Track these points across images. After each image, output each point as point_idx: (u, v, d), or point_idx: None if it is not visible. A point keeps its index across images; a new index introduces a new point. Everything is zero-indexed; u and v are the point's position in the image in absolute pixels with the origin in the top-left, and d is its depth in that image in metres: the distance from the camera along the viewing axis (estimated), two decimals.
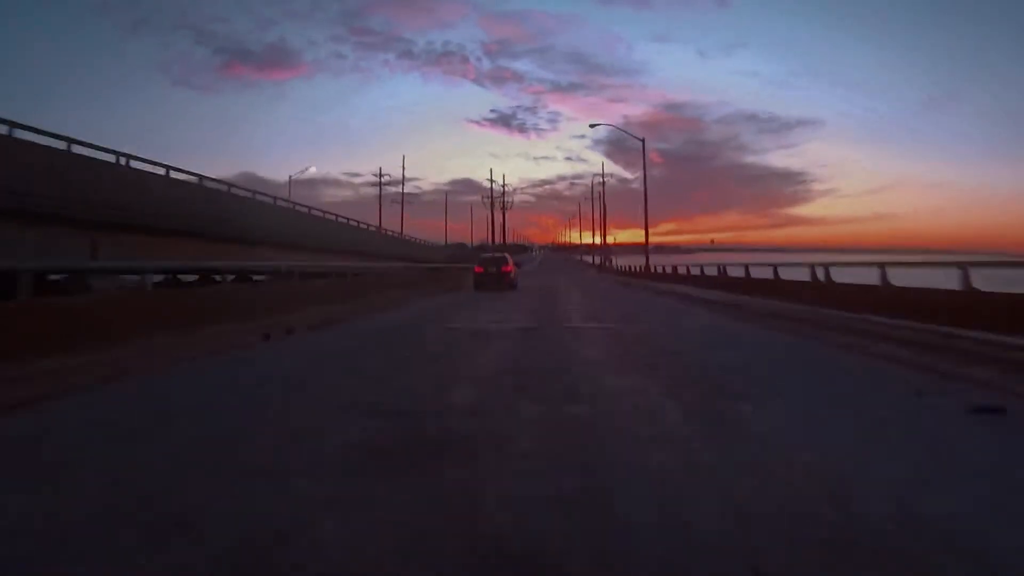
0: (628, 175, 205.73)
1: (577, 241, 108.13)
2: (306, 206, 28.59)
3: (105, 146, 15.38)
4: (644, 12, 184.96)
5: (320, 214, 31.00)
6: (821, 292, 10.83)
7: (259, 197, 23.44)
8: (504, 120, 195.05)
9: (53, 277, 14.09)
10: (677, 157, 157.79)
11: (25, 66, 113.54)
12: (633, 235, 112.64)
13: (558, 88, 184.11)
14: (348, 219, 32.03)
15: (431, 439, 3.52)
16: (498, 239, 68.36)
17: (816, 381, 5.36)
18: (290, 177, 43.17)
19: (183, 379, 5.84)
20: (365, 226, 37.12)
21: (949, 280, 8.23)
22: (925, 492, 2.58)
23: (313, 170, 63.78)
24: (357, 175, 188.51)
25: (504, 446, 3.35)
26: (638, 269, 35.18)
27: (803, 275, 13.49)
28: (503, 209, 68.98)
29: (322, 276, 19.53)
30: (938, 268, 9.67)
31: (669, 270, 24.25)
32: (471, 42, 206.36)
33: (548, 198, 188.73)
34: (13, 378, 5.37)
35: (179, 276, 18.88)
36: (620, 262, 57.45)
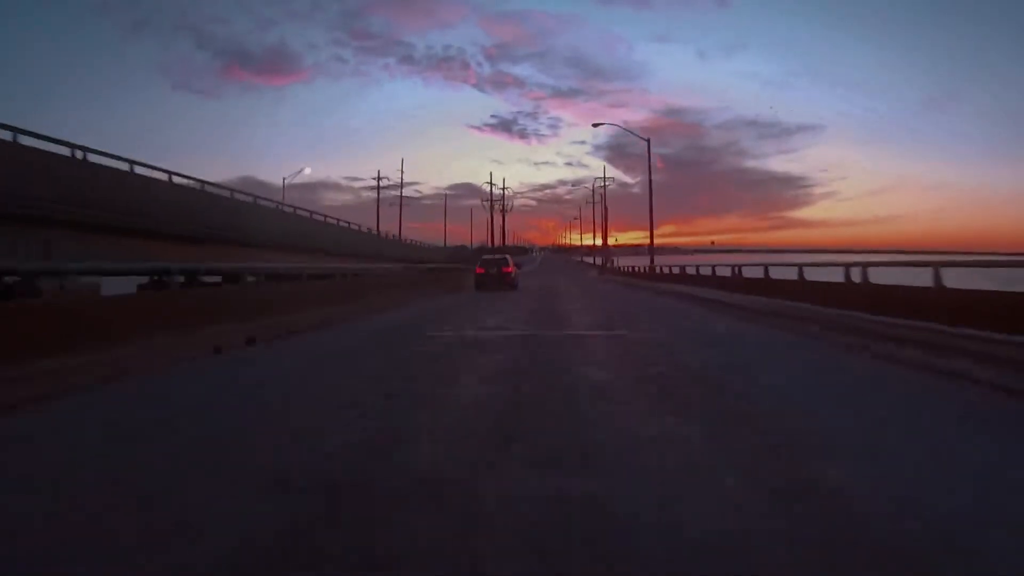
0: (628, 179, 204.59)
1: (577, 243, 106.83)
2: (301, 208, 27.21)
3: (61, 138, 13.99)
4: (644, 12, 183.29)
5: (321, 218, 29.73)
6: (861, 295, 9.45)
7: (238, 195, 22.03)
8: (505, 125, 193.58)
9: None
10: (678, 162, 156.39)
11: (24, 67, 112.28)
12: (633, 237, 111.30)
13: (559, 94, 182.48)
14: (341, 221, 30.65)
15: (339, 549, 2.14)
16: (498, 241, 66.98)
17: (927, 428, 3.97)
18: (284, 179, 41.72)
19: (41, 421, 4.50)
20: (365, 229, 35.76)
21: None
22: None
23: (308, 171, 62.30)
24: (358, 179, 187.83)
25: None
26: (641, 270, 33.73)
27: (828, 275, 12.13)
28: (503, 211, 67.65)
29: (319, 278, 18.27)
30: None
31: (676, 271, 22.80)
32: (471, 46, 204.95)
33: (548, 202, 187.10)
34: None
35: (163, 278, 17.61)
36: (621, 263, 56.04)
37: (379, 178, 57.45)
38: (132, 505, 2.56)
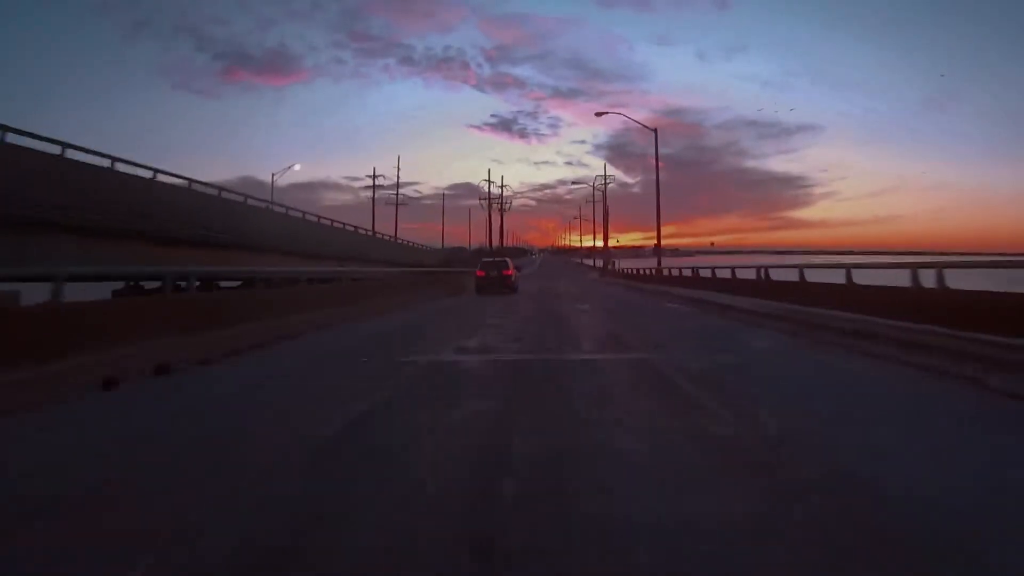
0: (628, 179, 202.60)
1: (577, 244, 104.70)
2: (276, 204, 25.09)
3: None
4: (644, 14, 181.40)
5: (314, 217, 27.73)
6: (944, 306, 7.44)
7: (195, 186, 19.86)
8: (505, 125, 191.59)
9: None
10: (678, 162, 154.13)
11: (24, 68, 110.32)
12: (633, 238, 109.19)
13: (558, 94, 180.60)
14: (322, 218, 28.48)
15: None
16: (496, 242, 64.87)
17: None
18: (273, 175, 39.69)
19: None
20: (361, 230, 33.73)
21: None
22: None
23: (297, 168, 60.10)
24: (357, 179, 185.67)
25: None
26: (646, 272, 31.69)
27: (876, 278, 10.16)
28: (501, 211, 65.46)
29: (294, 282, 16.44)
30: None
31: (687, 273, 20.74)
32: (471, 47, 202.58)
33: (548, 202, 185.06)
34: None
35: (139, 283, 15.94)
36: (623, 265, 54.04)
37: (375, 176, 55.45)
38: None
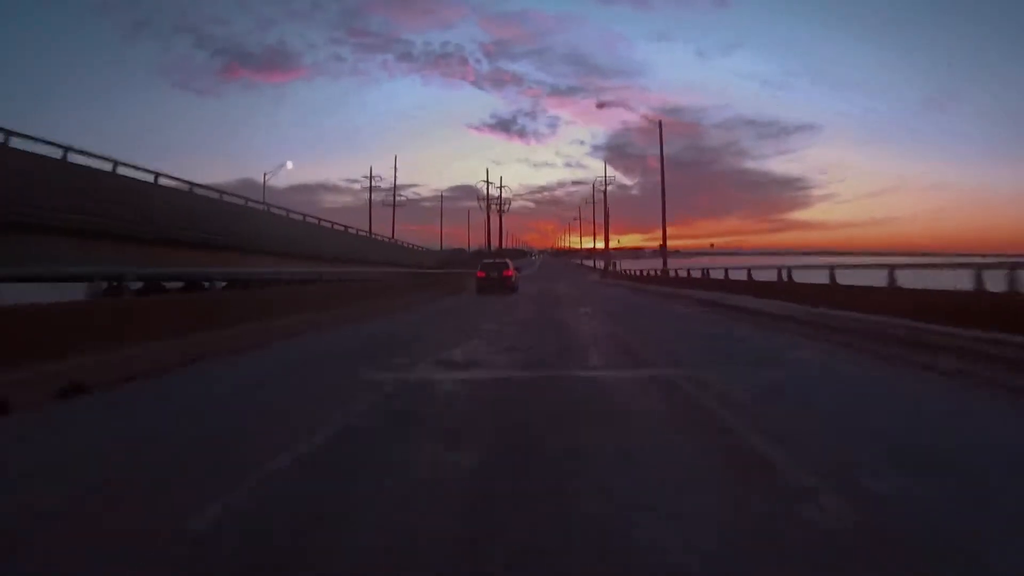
0: (627, 181, 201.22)
1: (577, 246, 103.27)
2: (253, 201, 23.50)
3: None
4: (643, 11, 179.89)
5: (299, 216, 26.36)
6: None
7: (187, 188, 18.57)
8: (504, 125, 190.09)
9: None
10: (677, 162, 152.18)
11: (24, 67, 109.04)
12: (633, 240, 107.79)
13: (557, 92, 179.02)
14: (308, 216, 27.02)
15: None
16: (495, 243, 63.44)
17: None
18: (265, 174, 38.32)
19: None
20: (344, 229, 32.37)
21: None
22: None
23: (289, 166, 58.68)
24: (356, 180, 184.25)
25: None
26: (650, 273, 30.34)
27: (920, 279, 8.82)
28: (500, 212, 63.99)
29: (268, 284, 15.17)
30: None
31: (697, 274, 19.34)
32: (470, 43, 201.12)
33: (547, 203, 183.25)
34: None
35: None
36: (624, 266, 52.67)
37: (371, 176, 54.11)
38: None
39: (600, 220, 58.60)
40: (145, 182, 16.33)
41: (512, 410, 4.30)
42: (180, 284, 15.46)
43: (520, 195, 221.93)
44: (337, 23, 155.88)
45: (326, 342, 8.63)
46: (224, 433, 3.86)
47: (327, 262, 26.05)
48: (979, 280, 7.37)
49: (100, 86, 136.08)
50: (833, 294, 9.99)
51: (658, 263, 47.21)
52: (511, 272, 23.76)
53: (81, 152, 13.96)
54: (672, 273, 22.90)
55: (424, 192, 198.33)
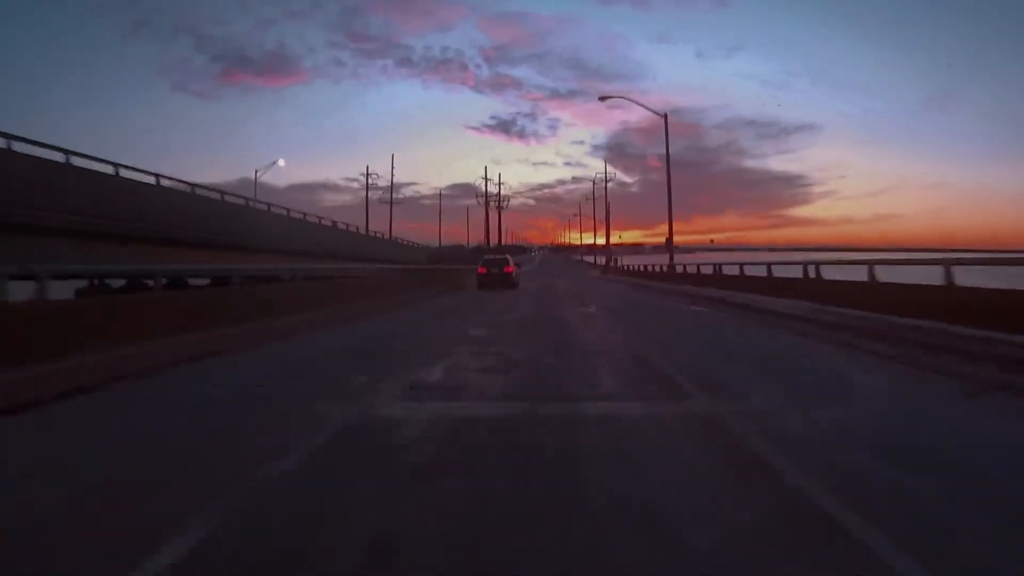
0: (627, 179, 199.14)
1: (577, 242, 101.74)
2: (230, 195, 21.98)
3: None
4: (643, 12, 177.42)
5: (282, 210, 24.96)
6: None
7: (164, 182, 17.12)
8: (504, 126, 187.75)
9: None
10: (677, 161, 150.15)
11: (24, 68, 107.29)
12: (633, 236, 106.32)
13: (557, 95, 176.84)
14: (292, 211, 25.55)
15: None
16: (494, 240, 61.87)
17: None
18: (256, 172, 36.82)
19: None
20: (333, 224, 30.95)
21: None
22: None
23: (281, 163, 57.11)
24: (356, 179, 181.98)
25: None
26: (654, 269, 28.88)
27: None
28: (499, 208, 62.41)
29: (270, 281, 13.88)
30: None
31: (708, 270, 17.85)
32: (470, 47, 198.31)
33: (547, 201, 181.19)
34: None
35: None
36: (625, 262, 51.24)
37: (367, 173, 52.63)
38: None
39: (600, 216, 57.15)
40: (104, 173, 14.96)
41: (496, 475, 2.88)
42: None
43: (520, 193, 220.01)
44: (336, 26, 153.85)
45: (281, 356, 7.21)
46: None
47: (315, 259, 24.62)
48: None
49: (100, 87, 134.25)
50: (878, 295, 8.56)
51: (659, 259, 45.72)
52: (512, 268, 23.67)
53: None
54: (680, 268, 21.42)
55: (424, 190, 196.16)
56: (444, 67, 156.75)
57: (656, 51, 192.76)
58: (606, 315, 11.74)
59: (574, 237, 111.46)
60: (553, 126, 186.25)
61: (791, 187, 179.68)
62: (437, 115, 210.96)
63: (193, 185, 19.33)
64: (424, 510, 2.49)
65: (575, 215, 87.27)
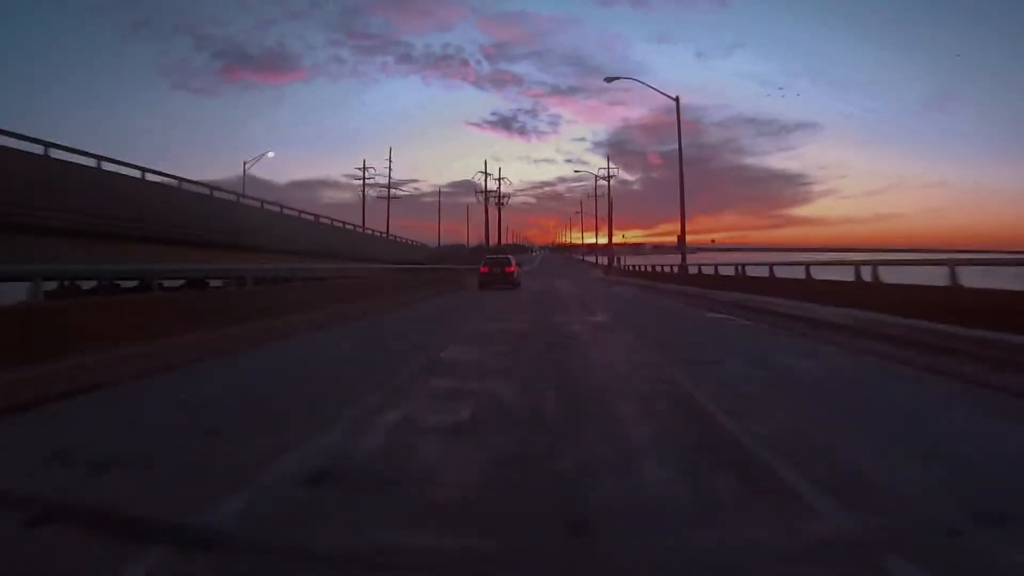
0: (628, 177, 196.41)
1: (578, 241, 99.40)
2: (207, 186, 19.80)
3: None
4: (642, 12, 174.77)
5: (276, 207, 22.88)
6: None
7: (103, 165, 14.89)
8: (504, 123, 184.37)
9: None
10: (676, 159, 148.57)
11: (23, 67, 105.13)
12: (634, 236, 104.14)
13: (557, 91, 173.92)
14: (267, 203, 23.31)
15: None
16: (494, 239, 59.71)
17: None
18: (245, 163, 34.77)
19: None
20: (316, 219, 28.77)
21: None
22: None
23: (271, 155, 54.95)
24: (357, 177, 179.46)
25: None
26: (661, 270, 26.71)
27: None
28: (498, 205, 60.15)
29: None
30: None
31: (731, 272, 15.62)
32: (470, 44, 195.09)
33: (548, 199, 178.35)
34: None
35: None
36: (627, 262, 49.06)
37: (364, 168, 50.53)
38: None
39: (602, 214, 54.96)
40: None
41: None
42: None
43: (521, 191, 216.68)
44: (336, 24, 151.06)
45: (195, 390, 5.10)
46: None
47: (301, 258, 22.47)
48: None
49: (99, 85, 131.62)
50: (963, 299, 6.45)
51: (661, 259, 43.49)
52: (513, 268, 23.59)
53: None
54: (695, 270, 19.23)
55: (424, 188, 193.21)
56: (445, 63, 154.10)
57: (656, 51, 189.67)
58: (620, 327, 9.59)
59: (575, 236, 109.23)
60: (554, 123, 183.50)
61: (791, 186, 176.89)
62: (438, 111, 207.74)
63: (181, 180, 17.56)
64: None
65: (576, 213, 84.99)
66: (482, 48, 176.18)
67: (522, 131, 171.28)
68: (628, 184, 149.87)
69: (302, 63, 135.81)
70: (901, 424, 3.70)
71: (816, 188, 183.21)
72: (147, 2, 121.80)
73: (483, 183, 56.99)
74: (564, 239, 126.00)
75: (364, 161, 50.73)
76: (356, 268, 24.02)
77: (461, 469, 2.92)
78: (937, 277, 9.59)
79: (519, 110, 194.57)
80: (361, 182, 50.82)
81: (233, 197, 21.11)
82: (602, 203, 55.91)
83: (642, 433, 3.48)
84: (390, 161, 53.03)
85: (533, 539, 2.15)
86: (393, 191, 53.48)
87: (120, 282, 13.37)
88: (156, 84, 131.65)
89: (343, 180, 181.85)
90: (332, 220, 31.61)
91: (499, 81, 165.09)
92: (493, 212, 58.43)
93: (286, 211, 24.46)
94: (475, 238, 70.81)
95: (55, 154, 13.05)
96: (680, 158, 21.59)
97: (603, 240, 59.24)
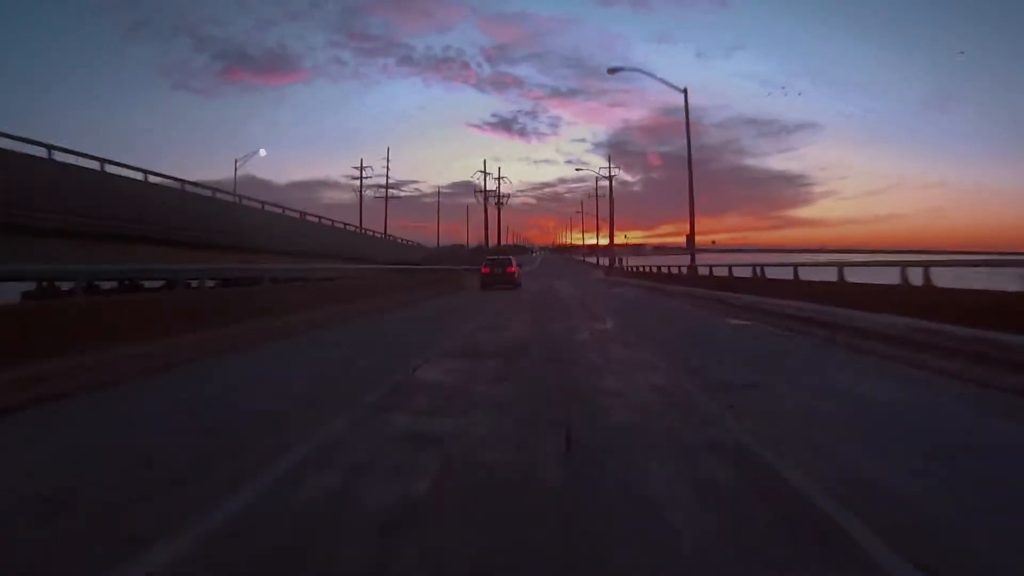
0: (629, 178, 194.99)
1: (579, 242, 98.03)
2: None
3: None
4: (642, 13, 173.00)
5: (257, 205, 21.58)
6: None
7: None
8: (505, 124, 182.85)
9: None
10: (678, 160, 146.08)
11: (23, 67, 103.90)
12: (635, 237, 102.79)
13: (558, 93, 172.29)
14: (247, 199, 22.04)
15: None
16: (493, 239, 58.30)
17: None
18: (236, 161, 33.41)
19: None
20: (315, 219, 27.50)
21: None
22: None
23: (263, 152, 53.70)
24: (356, 177, 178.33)
25: None
26: (667, 271, 25.33)
27: None
28: (498, 205, 58.72)
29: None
30: None
31: (745, 272, 14.22)
32: (471, 46, 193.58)
33: (548, 200, 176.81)
34: None
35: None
36: (629, 263, 47.71)
37: (361, 167, 49.22)
38: None
39: (603, 214, 53.58)
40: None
41: None
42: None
43: (521, 192, 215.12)
44: (337, 25, 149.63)
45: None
46: None
47: (295, 258, 21.13)
48: None
49: (100, 86, 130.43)
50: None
51: (662, 259, 42.08)
52: (514, 268, 23.73)
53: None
54: (707, 271, 17.84)
55: (425, 189, 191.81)
56: (445, 65, 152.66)
57: (656, 51, 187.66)
58: (633, 337, 8.23)
59: (575, 237, 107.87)
60: (554, 124, 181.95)
61: (792, 187, 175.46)
62: (438, 113, 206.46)
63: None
64: None
65: (576, 212, 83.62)
66: (483, 50, 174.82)
67: (522, 132, 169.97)
68: (628, 185, 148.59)
69: (303, 64, 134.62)
70: None
71: (817, 189, 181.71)
72: (147, 2, 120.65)
73: (482, 183, 55.53)
74: (564, 240, 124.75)
75: (361, 161, 49.34)
76: (351, 269, 22.80)
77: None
78: (976, 280, 8.28)
79: (519, 112, 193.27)
80: (366, 183, 49.40)
81: (234, 199, 20.14)
82: (603, 203, 54.60)
83: (706, 533, 2.13)
84: (388, 161, 51.65)
85: None
86: (393, 192, 52.18)
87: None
88: (156, 85, 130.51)
89: (343, 181, 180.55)
90: (333, 221, 30.77)
91: (499, 83, 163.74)
92: (493, 212, 57.03)
93: (288, 212, 23.69)
94: (475, 238, 69.43)
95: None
96: (689, 151, 20.21)
97: (604, 241, 57.93)
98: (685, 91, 19.85)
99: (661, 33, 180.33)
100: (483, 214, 54.41)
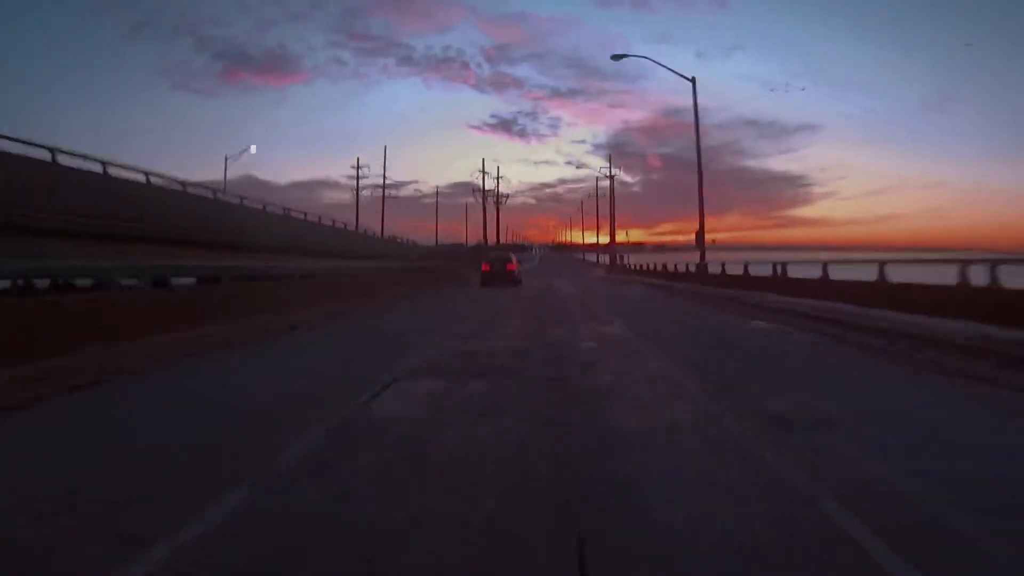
0: (628, 178, 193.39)
1: (579, 241, 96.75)
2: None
3: None
4: (642, 13, 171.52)
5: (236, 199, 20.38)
6: None
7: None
8: (505, 125, 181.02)
9: None
10: (677, 160, 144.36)
11: (23, 68, 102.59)
12: (635, 236, 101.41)
13: (558, 94, 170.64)
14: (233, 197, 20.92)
15: None
16: (492, 238, 56.96)
17: None
18: (226, 157, 32.12)
19: None
20: (304, 218, 26.20)
21: None
22: None
23: (253, 149, 52.26)
24: (356, 177, 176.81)
25: None
26: (674, 269, 24.03)
27: None
28: (497, 203, 57.35)
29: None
30: None
31: (766, 271, 12.88)
32: (471, 47, 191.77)
33: (548, 199, 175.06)
34: None
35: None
36: (630, 261, 46.40)
37: (358, 166, 47.96)
38: None
39: (603, 213, 52.28)
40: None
41: None
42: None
43: (521, 192, 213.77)
44: (337, 26, 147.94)
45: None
46: None
47: (287, 256, 19.89)
48: None
49: (100, 87, 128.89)
50: None
51: (662, 258, 40.90)
52: (514, 266, 23.58)
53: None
54: (719, 269, 16.54)
55: (425, 189, 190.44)
56: (445, 66, 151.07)
57: (656, 52, 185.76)
58: (647, 346, 6.91)
59: (575, 236, 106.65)
60: (554, 125, 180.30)
61: (792, 187, 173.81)
62: (438, 114, 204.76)
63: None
64: None
65: (576, 212, 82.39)
66: (482, 50, 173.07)
67: (522, 133, 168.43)
68: (628, 186, 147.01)
69: (303, 65, 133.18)
70: None
71: (817, 190, 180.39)
72: (147, 3, 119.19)
73: (481, 181, 54.20)
74: (564, 238, 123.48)
75: (358, 159, 48.02)
76: (348, 266, 21.83)
77: None
78: None
79: (519, 112, 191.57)
80: (364, 182, 48.14)
81: (234, 199, 19.35)
82: (603, 203, 53.31)
83: None
84: (385, 160, 50.32)
85: None
86: (393, 191, 50.91)
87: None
88: (157, 85, 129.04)
89: (343, 181, 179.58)
90: (333, 221, 29.99)
91: (499, 84, 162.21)
92: (492, 211, 55.69)
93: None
94: (474, 237, 68.15)
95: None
96: (698, 143, 18.90)
97: (604, 239, 56.65)
98: (693, 80, 18.56)
99: (661, 34, 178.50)
100: (482, 213, 53.15)
